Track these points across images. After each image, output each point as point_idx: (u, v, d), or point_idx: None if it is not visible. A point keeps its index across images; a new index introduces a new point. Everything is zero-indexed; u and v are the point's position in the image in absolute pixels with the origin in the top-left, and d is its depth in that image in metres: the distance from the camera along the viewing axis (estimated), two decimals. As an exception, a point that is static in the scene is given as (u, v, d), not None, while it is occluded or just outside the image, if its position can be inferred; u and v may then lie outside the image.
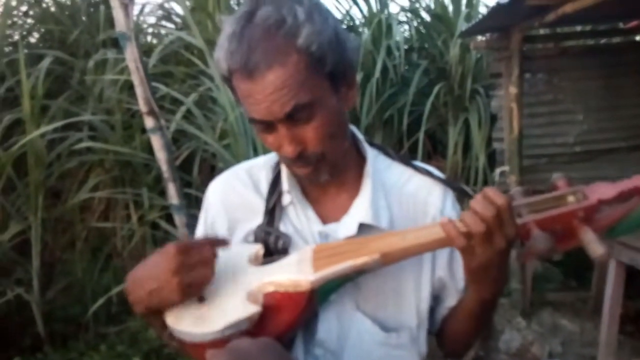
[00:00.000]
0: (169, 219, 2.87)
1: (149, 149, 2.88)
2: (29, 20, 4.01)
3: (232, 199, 0.95)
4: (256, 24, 0.76)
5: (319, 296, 0.81)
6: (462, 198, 0.98)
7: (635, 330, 2.88)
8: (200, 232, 0.99)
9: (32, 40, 3.95)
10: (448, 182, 0.95)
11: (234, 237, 0.93)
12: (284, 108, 0.76)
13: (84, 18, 3.76)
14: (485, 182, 3.66)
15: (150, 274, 0.76)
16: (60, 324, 2.82)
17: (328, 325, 0.86)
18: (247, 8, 0.78)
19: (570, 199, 0.73)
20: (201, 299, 0.78)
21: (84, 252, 3.15)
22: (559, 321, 2.98)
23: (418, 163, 0.98)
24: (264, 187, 0.94)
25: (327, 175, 0.86)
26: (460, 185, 0.99)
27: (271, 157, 0.97)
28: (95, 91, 3.26)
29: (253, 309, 0.76)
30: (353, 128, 0.96)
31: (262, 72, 0.75)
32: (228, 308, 0.76)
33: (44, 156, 2.87)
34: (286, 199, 0.91)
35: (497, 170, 3.26)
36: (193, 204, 2.66)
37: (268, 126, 0.80)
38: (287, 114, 0.77)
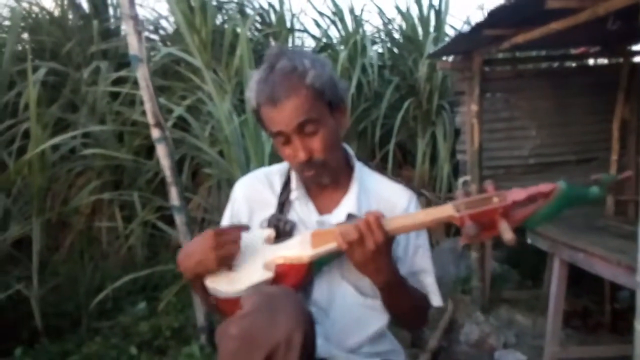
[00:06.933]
0: (162, 219, 3.06)
1: (141, 154, 3.05)
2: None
3: (253, 195, 1.25)
4: (276, 72, 1.07)
5: (314, 267, 1.08)
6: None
7: (582, 325, 3.07)
8: (226, 218, 1.27)
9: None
10: (411, 188, 1.26)
11: (252, 223, 1.21)
12: (298, 119, 1.06)
13: (75, 32, 3.90)
14: (450, 190, 3.87)
15: (195, 250, 1.04)
16: (56, 319, 2.92)
17: (320, 289, 1.14)
18: (268, 63, 1.10)
19: (495, 199, 0.97)
20: (231, 268, 1.05)
21: (75, 251, 3.30)
22: (514, 316, 3.12)
23: (389, 175, 1.28)
24: (277, 187, 1.24)
25: (328, 179, 1.16)
26: (420, 191, 1.33)
27: (283, 166, 1.26)
28: (89, 100, 3.43)
29: (268, 274, 1.03)
30: (346, 145, 1.26)
31: (282, 101, 1.06)
32: (250, 274, 1.03)
33: (48, 161, 3.01)
34: (293, 194, 1.20)
35: (460, 179, 3.44)
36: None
37: (286, 139, 1.10)
38: (299, 123, 1.07)
